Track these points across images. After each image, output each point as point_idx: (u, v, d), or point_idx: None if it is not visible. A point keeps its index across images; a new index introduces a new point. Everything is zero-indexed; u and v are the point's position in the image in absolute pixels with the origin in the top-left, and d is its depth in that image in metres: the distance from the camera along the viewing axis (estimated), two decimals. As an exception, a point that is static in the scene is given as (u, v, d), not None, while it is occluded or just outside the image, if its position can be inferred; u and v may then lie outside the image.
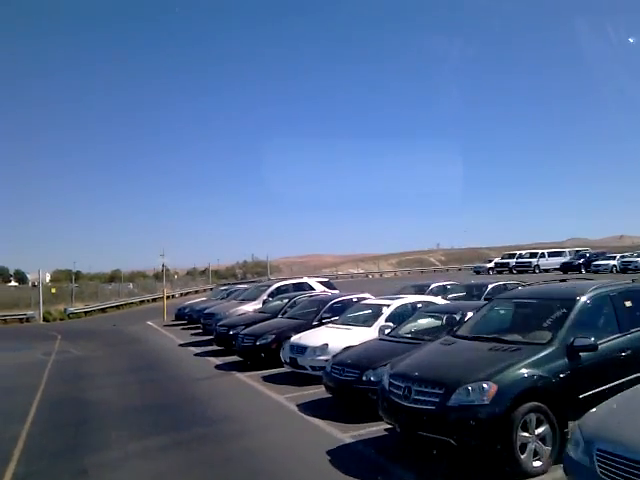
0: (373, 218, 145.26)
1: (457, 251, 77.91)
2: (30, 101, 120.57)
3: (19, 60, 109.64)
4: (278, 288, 18.28)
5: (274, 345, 11.99)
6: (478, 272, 54.85)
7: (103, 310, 38.28)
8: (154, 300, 46.01)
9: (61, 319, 34.34)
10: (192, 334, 20.15)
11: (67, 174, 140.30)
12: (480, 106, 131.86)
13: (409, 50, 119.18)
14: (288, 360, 10.77)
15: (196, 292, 54.54)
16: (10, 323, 32.77)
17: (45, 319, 33.66)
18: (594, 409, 4.26)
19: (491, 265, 54.20)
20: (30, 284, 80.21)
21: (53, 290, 38.27)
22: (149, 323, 26.63)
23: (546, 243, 79.47)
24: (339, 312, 12.23)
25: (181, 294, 51.58)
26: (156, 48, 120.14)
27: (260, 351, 12.12)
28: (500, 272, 50.66)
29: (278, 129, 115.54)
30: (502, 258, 54.80)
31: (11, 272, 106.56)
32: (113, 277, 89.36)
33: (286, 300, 16.26)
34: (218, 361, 13.83)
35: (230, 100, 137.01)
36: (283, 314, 14.29)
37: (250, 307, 17.47)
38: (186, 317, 23.93)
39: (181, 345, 17.55)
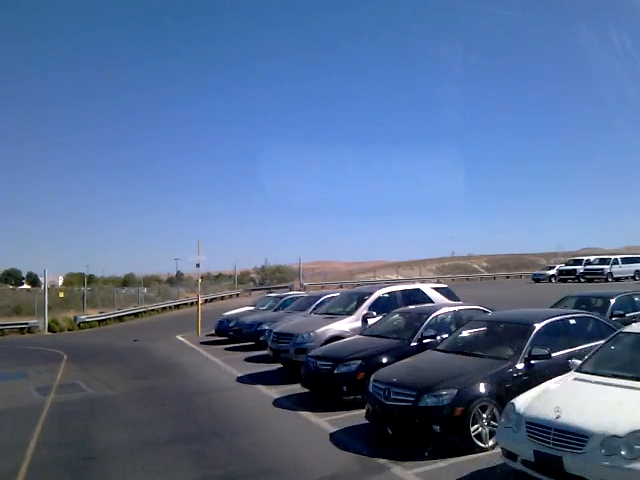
0: (378, 226, 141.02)
1: (501, 257, 71.59)
2: (33, 105, 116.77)
3: (37, 63, 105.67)
4: (380, 298, 12.38)
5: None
6: (538, 280, 49.06)
7: (120, 319, 32.66)
8: (177, 307, 40.43)
9: (70, 329, 28.74)
10: (248, 359, 14.45)
11: (78, 177, 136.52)
12: (485, 115, 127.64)
13: (412, 56, 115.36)
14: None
15: (222, 298, 49.00)
16: (8, 334, 27.25)
17: (51, 329, 28.09)
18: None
19: (553, 272, 48.36)
20: (42, 287, 75.98)
21: (61, 294, 32.71)
22: (180, 338, 20.92)
23: (568, 252, 74.29)
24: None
25: (206, 300, 45.86)
26: (150, 56, 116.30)
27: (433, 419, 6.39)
28: (564, 280, 44.97)
29: (278, 136, 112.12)
30: (567, 264, 48.76)
31: (24, 275, 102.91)
32: (126, 281, 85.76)
33: (396, 316, 10.54)
34: (326, 423, 7.98)
35: (232, 107, 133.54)
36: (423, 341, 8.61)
37: (345, 325, 11.63)
38: (230, 332, 18.19)
39: (243, 381, 11.75)
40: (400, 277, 60.89)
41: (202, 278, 79.88)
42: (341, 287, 55.03)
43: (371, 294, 12.29)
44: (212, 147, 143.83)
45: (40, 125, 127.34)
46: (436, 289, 13.33)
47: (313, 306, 16.27)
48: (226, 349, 16.84)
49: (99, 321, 30.56)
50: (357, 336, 10.48)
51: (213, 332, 21.74)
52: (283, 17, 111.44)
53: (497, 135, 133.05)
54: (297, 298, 19.82)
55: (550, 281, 46.69)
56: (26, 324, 27.47)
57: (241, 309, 21.73)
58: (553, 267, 50.41)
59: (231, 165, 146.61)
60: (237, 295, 51.93)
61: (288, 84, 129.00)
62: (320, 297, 16.90)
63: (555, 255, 74.87)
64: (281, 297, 20.59)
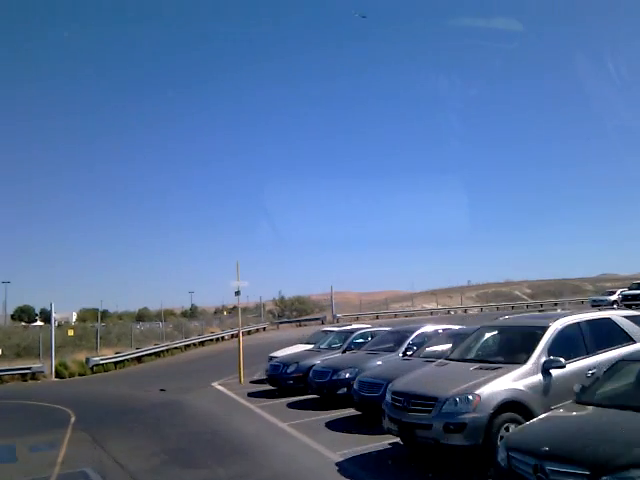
0: (385, 257, 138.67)
1: (543, 282, 66.56)
2: (48, 140, 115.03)
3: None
4: (562, 333, 7.80)
5: None
6: (598, 306, 43.77)
7: (138, 359, 28.26)
8: (202, 344, 35.94)
9: (81, 374, 24.38)
10: (332, 425, 9.96)
11: (83, 212, 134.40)
12: (487, 146, 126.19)
13: (413, 90, 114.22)
14: None
15: (249, 333, 44.37)
16: (9, 381, 22.92)
17: (58, 374, 23.74)
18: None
19: (615, 298, 43.44)
20: (56, 324, 72.05)
21: (70, 332, 28.39)
22: (218, 387, 16.53)
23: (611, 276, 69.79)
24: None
25: (232, 336, 41.35)
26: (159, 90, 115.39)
27: None
28: (629, 306, 40.07)
29: (281, 170, 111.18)
30: (630, 289, 43.88)
31: (37, 311, 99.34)
32: (141, 316, 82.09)
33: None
34: None
35: (237, 143, 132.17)
36: None
37: (517, 381, 7.06)
38: (290, 381, 13.73)
39: (349, 472, 7.22)
40: (439, 306, 56.10)
41: (215, 312, 75.54)
42: (377, 318, 50.39)
43: (545, 328, 7.75)
44: (220, 183, 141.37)
45: (54, 159, 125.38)
46: (629, 317, 8.78)
47: (405, 345, 11.99)
48: (289, 406, 12.38)
49: (115, 363, 26.17)
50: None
51: (257, 378, 17.47)
52: (284, 48, 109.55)
53: (498, 167, 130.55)
54: (368, 334, 15.44)
55: (612, 306, 41.85)
56: (29, 369, 23.12)
57: (294, 348, 17.32)
58: (614, 292, 45.55)
59: (237, 199, 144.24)
60: (264, 329, 47.38)
61: (290, 122, 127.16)
62: (412, 332, 12.52)
63: (599, 280, 70.01)
64: (346, 332, 16.10)
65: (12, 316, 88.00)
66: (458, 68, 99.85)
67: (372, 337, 14.97)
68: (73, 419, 12.62)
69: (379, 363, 11.63)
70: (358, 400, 9.98)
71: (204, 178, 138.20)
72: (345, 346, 14.49)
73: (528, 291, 63.19)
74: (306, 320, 49.73)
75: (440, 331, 12.52)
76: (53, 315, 25.42)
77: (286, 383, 13.80)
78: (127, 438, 10.35)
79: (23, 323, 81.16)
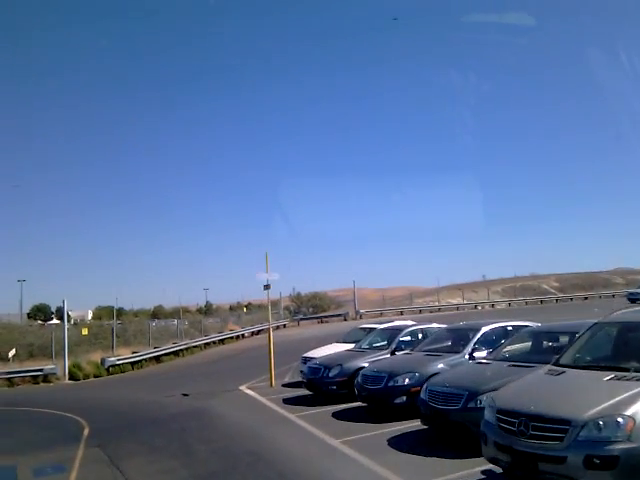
0: (400, 253, 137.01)
1: (571, 276, 64.05)
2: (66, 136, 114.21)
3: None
4: None
5: None
6: (634, 301, 41.97)
7: (157, 359, 26.67)
8: (222, 342, 34.31)
9: (96, 375, 22.84)
10: (398, 440, 8.18)
11: (100, 210, 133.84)
12: (500, 142, 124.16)
13: (426, 85, 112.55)
14: None
15: (269, 330, 42.64)
16: (20, 384, 21.44)
17: (72, 376, 22.19)
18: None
19: (656, 291, 41.54)
20: (72, 322, 70.97)
21: (85, 331, 26.85)
22: (247, 391, 14.85)
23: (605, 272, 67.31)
24: None
25: (252, 333, 39.77)
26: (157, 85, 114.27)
27: None
28: (670, 299, 38.26)
29: (293, 168, 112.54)
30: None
31: (53, 310, 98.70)
32: (156, 313, 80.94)
33: None
34: None
35: (252, 139, 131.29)
36: None
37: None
38: (333, 386, 11.97)
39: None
40: (464, 301, 54.02)
41: (230, 308, 74.08)
42: (401, 313, 48.47)
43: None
44: (234, 180, 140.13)
45: (69, 155, 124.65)
46: None
47: (471, 345, 10.26)
48: (335, 416, 10.61)
49: (132, 363, 24.61)
50: None
51: (289, 380, 15.83)
52: (301, 42, 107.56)
53: (513, 163, 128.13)
54: (417, 331, 13.65)
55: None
56: (41, 370, 21.59)
57: (331, 348, 15.58)
58: (655, 285, 43.50)
59: (251, 196, 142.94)
60: (284, 326, 45.72)
61: (305, 118, 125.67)
62: (477, 330, 10.72)
63: (630, 272, 67.25)
64: (391, 330, 14.30)
65: (28, 315, 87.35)
66: (470, 63, 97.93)
67: (423, 336, 13.19)
68: (86, 432, 10.96)
69: (441, 366, 9.87)
70: (428, 413, 8.17)
71: (219, 175, 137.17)
72: (393, 346, 12.67)
73: (556, 285, 60.76)
74: (328, 316, 48.01)
75: (509, 328, 10.78)
76: (66, 312, 23.87)
77: (328, 389, 12.04)
78: (149, 457, 8.66)
79: (39, 321, 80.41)
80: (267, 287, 15.83)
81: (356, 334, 16.58)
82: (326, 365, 12.41)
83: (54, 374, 21.60)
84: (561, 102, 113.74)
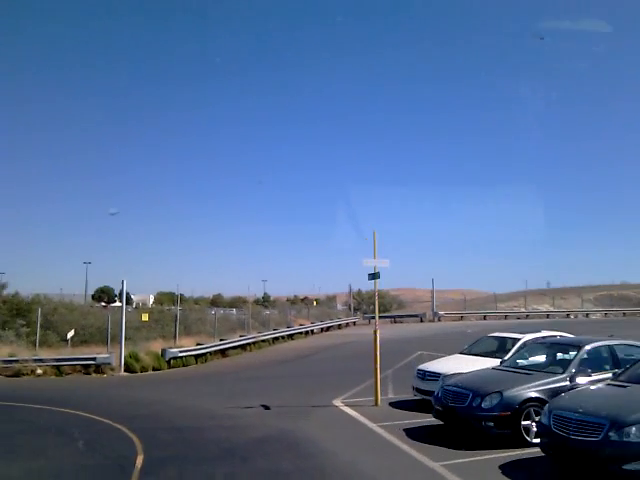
0: (453, 257, 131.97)
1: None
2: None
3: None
4: None
5: None
6: None
7: (222, 352, 23.63)
8: (290, 337, 31.02)
9: (155, 368, 19.93)
10: None
11: (166, 200, 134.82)
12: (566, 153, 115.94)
13: (490, 94, 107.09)
14: None
15: (339, 327, 39.27)
16: (71, 373, 18.79)
17: (128, 368, 19.33)
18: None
19: None
20: (134, 305, 70.23)
21: (145, 317, 24.08)
22: (345, 409, 11.31)
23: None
24: None
25: (322, 329, 36.35)
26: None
27: None
28: None
29: (357, 171, 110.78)
30: None
31: (116, 292, 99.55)
32: (214, 302, 79.33)
33: None
34: None
35: (315, 150, 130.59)
36: None
37: None
38: (487, 422, 8.15)
39: None
40: (551, 308, 48.69)
41: (287, 300, 71.19)
42: (485, 318, 43.90)
43: None
44: (300, 174, 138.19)
45: (137, 146, 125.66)
46: None
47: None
48: (507, 472, 6.80)
49: (196, 356, 21.61)
50: None
51: (396, 398, 12.24)
52: (371, 48, 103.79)
53: (576, 173, 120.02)
54: (605, 349, 9.57)
55: None
56: (93, 359, 18.82)
57: (458, 360, 11.88)
58: None
59: (314, 191, 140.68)
60: (354, 323, 42.12)
61: (372, 124, 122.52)
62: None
63: None
64: (561, 345, 10.35)
65: (92, 296, 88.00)
66: (540, 71, 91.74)
67: (610, 355, 9.17)
68: (139, 462, 7.64)
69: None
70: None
71: (286, 169, 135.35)
72: (573, 369, 8.68)
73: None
74: (402, 316, 44.01)
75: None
76: (124, 294, 21.08)
77: (481, 425, 8.22)
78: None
79: (102, 303, 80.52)
80: (375, 277, 12.17)
81: (486, 344, 12.79)
82: (475, 390, 8.60)
83: (108, 364, 18.81)
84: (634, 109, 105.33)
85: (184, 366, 20.56)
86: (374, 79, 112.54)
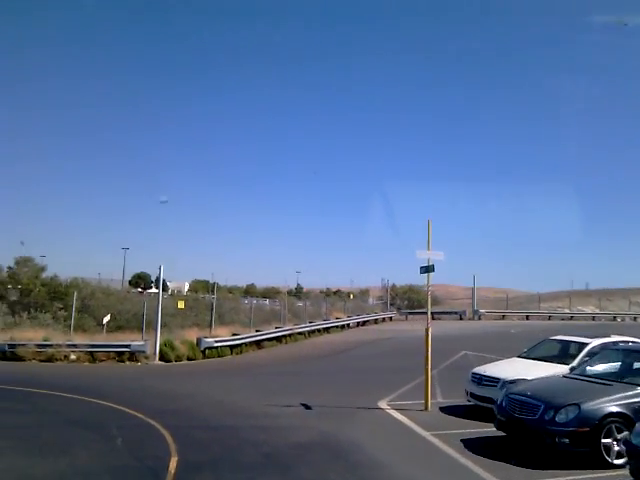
0: (490, 253, 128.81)
1: None
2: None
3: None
4: None
5: None
6: None
7: (258, 343, 23.02)
8: (326, 330, 30.27)
9: (190, 358, 19.43)
10: None
11: (205, 191, 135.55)
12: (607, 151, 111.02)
13: (528, 89, 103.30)
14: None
15: (375, 322, 38.30)
16: (105, 360, 18.43)
17: (163, 357, 18.87)
18: None
19: None
20: (169, 292, 70.58)
21: (181, 304, 23.64)
22: (392, 413, 10.46)
23: None
24: None
25: (358, 324, 35.47)
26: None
27: None
28: None
29: (392, 167, 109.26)
30: None
31: (153, 279, 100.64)
32: (247, 292, 79.20)
33: None
34: None
35: (353, 143, 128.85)
36: None
37: None
38: (562, 439, 7.15)
39: None
40: (597, 310, 46.58)
41: (320, 292, 70.03)
42: (527, 318, 42.27)
43: None
44: (338, 167, 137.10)
45: (187, 141, 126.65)
46: None
47: None
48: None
49: (231, 346, 21.04)
50: None
51: (446, 402, 11.28)
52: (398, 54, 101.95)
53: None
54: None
55: None
56: (128, 346, 18.42)
57: (517, 364, 10.85)
58: None
59: (352, 184, 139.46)
60: (390, 319, 41.10)
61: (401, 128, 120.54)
62: None
63: None
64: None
65: (129, 282, 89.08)
66: (584, 67, 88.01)
67: None
68: (173, 465, 6.94)
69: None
70: None
71: (324, 162, 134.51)
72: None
73: None
74: (440, 313, 42.64)
75: None
76: (161, 279, 20.65)
77: (555, 441, 7.22)
78: None
79: (139, 289, 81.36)
80: (428, 269, 11.19)
81: (547, 348, 11.69)
82: (548, 401, 7.59)
83: (142, 352, 18.39)
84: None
85: (219, 357, 20.03)
86: (419, 78, 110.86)
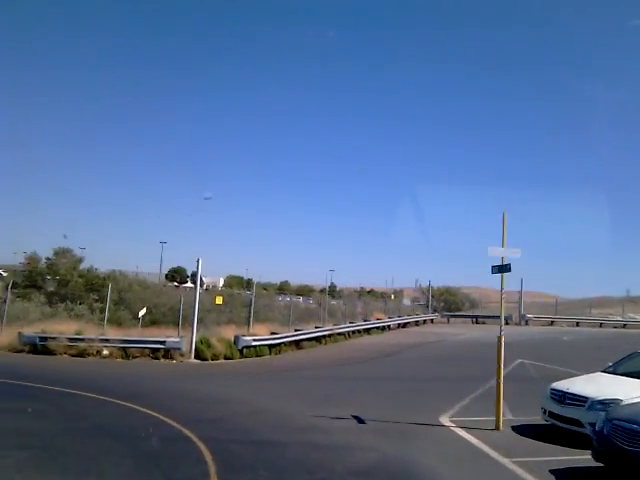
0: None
1: None
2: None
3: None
4: None
5: None
6: None
7: (296, 343, 21.90)
8: (367, 331, 28.93)
9: (227, 357, 18.42)
10: None
11: (242, 188, 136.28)
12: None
13: (556, 93, 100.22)
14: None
15: (416, 324, 36.80)
16: (139, 356, 17.56)
17: (199, 354, 17.91)
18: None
19: None
20: (205, 287, 70.35)
21: (219, 300, 22.72)
22: (458, 431, 9.10)
23: None
24: None
25: (399, 325, 34.04)
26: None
27: None
28: None
29: (426, 171, 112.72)
30: None
31: (189, 273, 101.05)
32: (281, 289, 78.68)
33: None
34: None
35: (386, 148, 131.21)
36: None
37: None
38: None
39: None
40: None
41: (356, 292, 68.59)
42: (577, 325, 40.09)
43: None
44: (372, 167, 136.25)
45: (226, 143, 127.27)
46: None
47: None
48: None
49: (270, 346, 19.96)
50: None
51: (514, 417, 9.87)
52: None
53: None
54: None
55: None
56: (163, 343, 17.53)
57: (602, 380, 9.40)
58: None
59: (386, 186, 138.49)
60: (431, 321, 39.52)
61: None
62: None
63: None
64: None
65: (166, 276, 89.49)
66: (616, 70, 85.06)
67: None
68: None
69: None
70: None
71: (358, 161, 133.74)
72: None
73: None
74: (484, 317, 40.83)
75: None
76: (199, 273, 19.73)
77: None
78: None
79: (175, 283, 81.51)
80: (503, 269, 9.77)
81: (636, 363, 10.06)
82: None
83: (178, 349, 17.47)
84: None
85: (257, 356, 18.97)
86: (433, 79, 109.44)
